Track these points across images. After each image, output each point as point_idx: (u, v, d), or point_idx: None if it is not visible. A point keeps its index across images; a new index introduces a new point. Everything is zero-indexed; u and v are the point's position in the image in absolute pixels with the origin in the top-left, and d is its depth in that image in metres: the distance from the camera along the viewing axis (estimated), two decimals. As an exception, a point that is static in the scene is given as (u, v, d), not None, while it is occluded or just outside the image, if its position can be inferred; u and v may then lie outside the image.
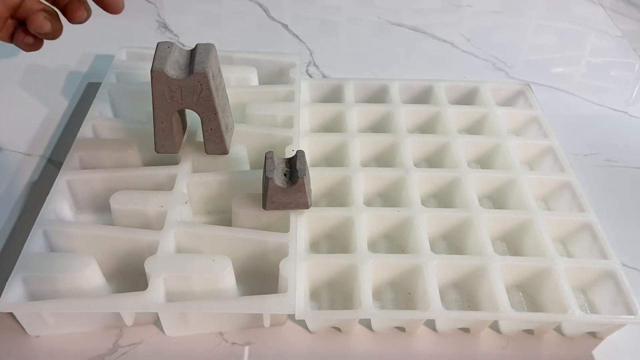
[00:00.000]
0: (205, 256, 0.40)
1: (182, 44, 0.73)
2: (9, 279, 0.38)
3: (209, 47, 0.43)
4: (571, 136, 0.60)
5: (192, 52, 0.43)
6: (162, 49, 0.42)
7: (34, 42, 0.40)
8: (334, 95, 0.60)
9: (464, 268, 0.43)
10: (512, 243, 0.47)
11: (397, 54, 0.75)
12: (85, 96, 0.62)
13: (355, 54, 0.74)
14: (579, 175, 0.50)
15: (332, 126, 0.56)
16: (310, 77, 0.68)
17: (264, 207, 0.43)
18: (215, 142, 0.45)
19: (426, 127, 0.57)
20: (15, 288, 0.38)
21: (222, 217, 0.47)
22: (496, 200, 0.51)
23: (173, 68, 0.41)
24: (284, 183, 0.42)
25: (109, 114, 0.55)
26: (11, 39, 0.40)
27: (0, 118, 0.59)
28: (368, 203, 0.49)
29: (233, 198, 0.45)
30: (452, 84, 0.60)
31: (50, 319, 0.39)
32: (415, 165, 0.50)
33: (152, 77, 0.41)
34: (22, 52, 0.69)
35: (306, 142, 0.52)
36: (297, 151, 0.43)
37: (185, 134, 0.48)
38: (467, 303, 0.43)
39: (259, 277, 0.43)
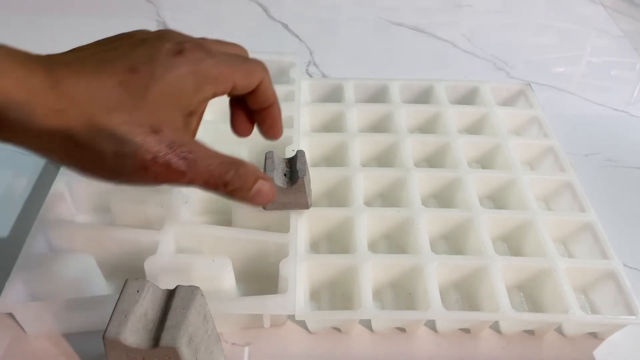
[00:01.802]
0: (205, 256, 0.40)
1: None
2: (9, 279, 0.38)
3: (190, 295, 0.32)
4: (571, 136, 0.59)
5: (169, 299, 0.32)
6: (129, 295, 0.32)
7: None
8: (334, 95, 0.59)
9: (465, 268, 0.43)
10: (512, 243, 0.47)
11: (397, 54, 0.75)
12: (85, 96, 0.62)
13: (355, 54, 0.74)
14: (580, 175, 0.50)
15: (332, 126, 0.56)
16: (310, 77, 0.68)
17: (264, 207, 0.43)
18: None
19: (426, 127, 0.57)
20: (15, 288, 0.38)
21: (222, 217, 0.47)
22: (497, 200, 0.51)
23: (135, 329, 0.31)
24: (284, 183, 0.42)
25: (108, 114, 0.54)
26: None
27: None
28: (368, 203, 0.49)
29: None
30: (452, 83, 0.60)
31: (50, 319, 0.39)
32: (415, 165, 0.50)
33: (104, 345, 0.31)
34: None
35: (306, 142, 0.52)
36: (297, 151, 0.43)
37: None
38: (467, 303, 0.43)
39: (259, 278, 0.43)
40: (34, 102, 0.26)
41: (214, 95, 0.32)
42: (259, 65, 0.35)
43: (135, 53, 0.29)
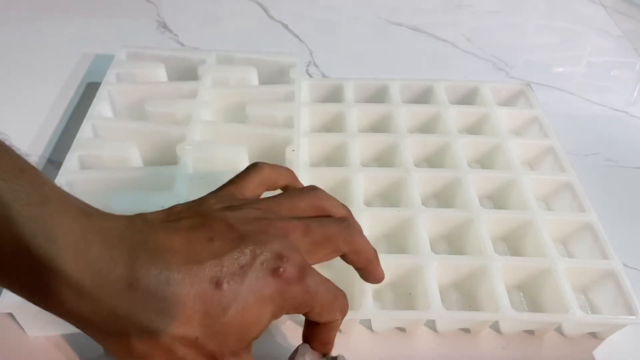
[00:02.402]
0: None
1: (182, 44, 0.73)
2: (8, 279, 0.38)
3: None
4: (571, 136, 0.59)
5: None
6: None
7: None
8: (334, 95, 0.59)
9: (465, 268, 0.43)
10: (512, 243, 0.47)
11: (397, 54, 0.75)
12: (85, 96, 0.62)
13: (355, 54, 0.74)
14: (579, 175, 0.50)
15: (332, 126, 0.56)
16: (310, 77, 0.68)
17: None
18: None
19: (426, 127, 0.57)
20: (14, 288, 0.38)
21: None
22: (497, 200, 0.51)
23: None
24: None
25: (108, 114, 0.54)
26: None
27: None
28: (368, 203, 0.49)
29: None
30: (452, 83, 0.60)
31: (49, 319, 0.39)
32: (415, 165, 0.50)
33: None
34: (22, 50, 0.69)
35: (306, 142, 0.52)
36: (337, 356, 0.35)
37: None
38: (467, 303, 0.43)
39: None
40: (105, 300, 0.24)
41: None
42: (343, 303, 0.33)
43: (228, 259, 0.27)
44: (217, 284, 0.26)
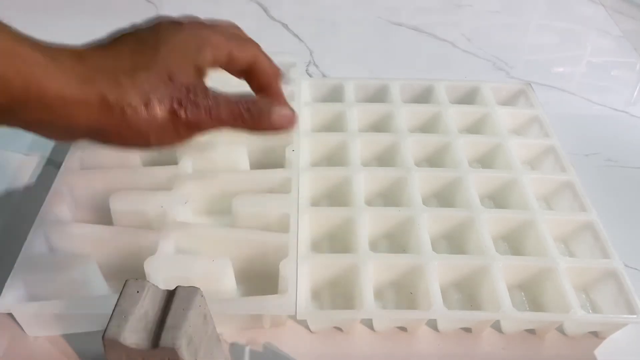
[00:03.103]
0: (205, 257, 0.40)
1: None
2: (8, 279, 0.38)
3: (190, 296, 0.32)
4: (572, 136, 0.59)
5: (169, 299, 0.32)
6: (129, 295, 0.32)
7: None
8: (334, 95, 0.59)
9: (466, 268, 0.43)
10: (513, 243, 0.47)
11: (397, 54, 0.75)
12: (85, 96, 0.62)
13: (355, 54, 0.74)
14: (580, 175, 0.50)
15: (333, 126, 0.56)
16: (310, 76, 0.68)
17: None
18: None
19: (427, 127, 0.57)
20: (14, 288, 0.38)
21: (222, 217, 0.47)
22: (497, 200, 0.51)
23: (135, 330, 0.31)
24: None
25: (108, 114, 0.54)
26: None
27: (-1, 118, 0.59)
28: (369, 203, 0.49)
29: (233, 198, 0.44)
30: (452, 83, 0.60)
31: (50, 319, 0.39)
32: (416, 165, 0.50)
33: (104, 345, 0.31)
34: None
35: (306, 142, 0.52)
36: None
37: None
38: (468, 303, 0.43)
39: (259, 278, 0.43)
40: (69, 72, 0.29)
41: (215, 61, 0.35)
42: (254, 42, 0.38)
43: (139, 30, 0.34)
44: (140, 40, 0.33)
